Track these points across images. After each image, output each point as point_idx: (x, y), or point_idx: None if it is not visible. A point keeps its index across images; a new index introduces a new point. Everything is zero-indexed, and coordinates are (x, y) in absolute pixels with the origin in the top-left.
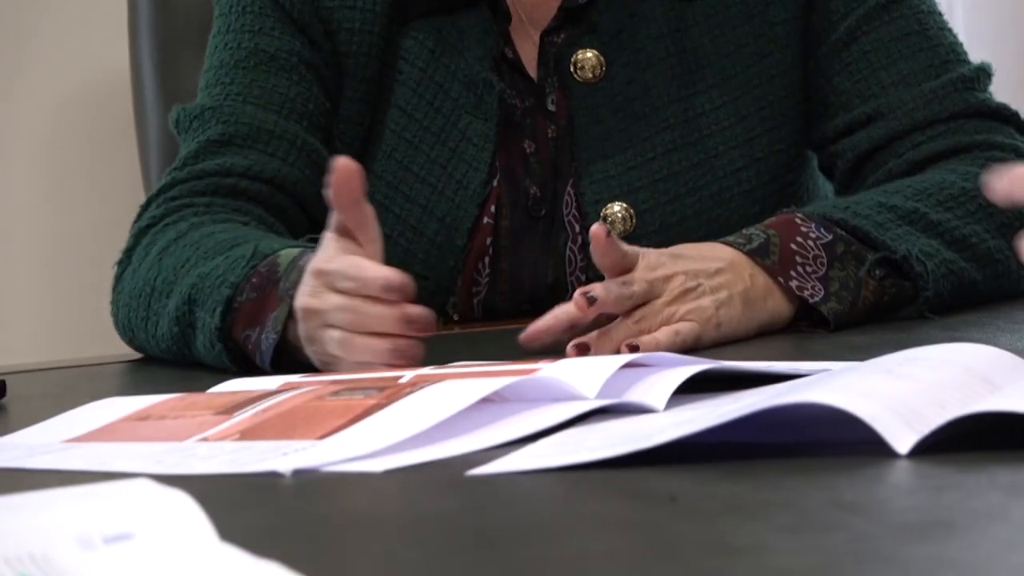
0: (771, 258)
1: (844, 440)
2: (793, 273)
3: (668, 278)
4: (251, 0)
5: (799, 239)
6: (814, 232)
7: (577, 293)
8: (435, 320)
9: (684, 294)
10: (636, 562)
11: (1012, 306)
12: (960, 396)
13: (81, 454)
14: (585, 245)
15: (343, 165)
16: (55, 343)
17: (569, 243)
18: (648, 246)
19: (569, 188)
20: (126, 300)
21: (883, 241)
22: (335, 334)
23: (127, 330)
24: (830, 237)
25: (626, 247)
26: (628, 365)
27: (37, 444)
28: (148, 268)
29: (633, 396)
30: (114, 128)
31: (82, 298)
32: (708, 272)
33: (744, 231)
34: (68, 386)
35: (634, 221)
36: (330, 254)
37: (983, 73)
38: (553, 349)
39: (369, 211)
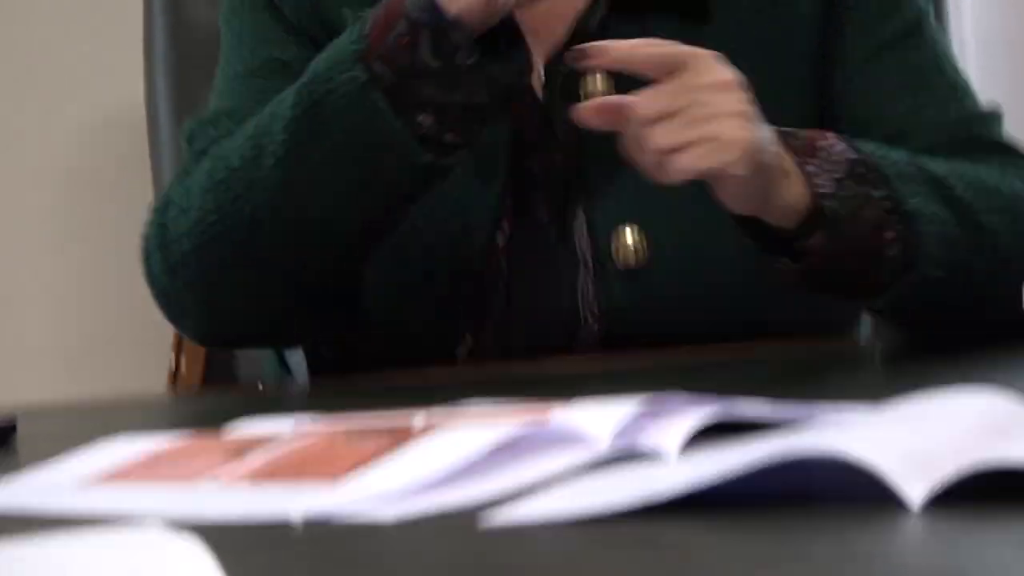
0: (798, 140)
1: (855, 489)
2: (814, 160)
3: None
4: (257, 14)
5: (825, 143)
6: (841, 145)
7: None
8: None
9: (739, 115)
10: None
11: None
12: (974, 446)
13: (91, 498)
14: (595, 276)
15: None
16: (68, 377)
17: (581, 272)
18: (662, 271)
19: (580, 212)
20: (198, 191)
21: (897, 188)
22: None
23: (199, 232)
24: (856, 156)
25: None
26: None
27: (46, 486)
28: (234, 142)
29: (646, 442)
30: (129, 162)
31: (96, 332)
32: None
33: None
34: (78, 424)
35: (646, 245)
36: None
37: (996, 116)
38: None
39: None
